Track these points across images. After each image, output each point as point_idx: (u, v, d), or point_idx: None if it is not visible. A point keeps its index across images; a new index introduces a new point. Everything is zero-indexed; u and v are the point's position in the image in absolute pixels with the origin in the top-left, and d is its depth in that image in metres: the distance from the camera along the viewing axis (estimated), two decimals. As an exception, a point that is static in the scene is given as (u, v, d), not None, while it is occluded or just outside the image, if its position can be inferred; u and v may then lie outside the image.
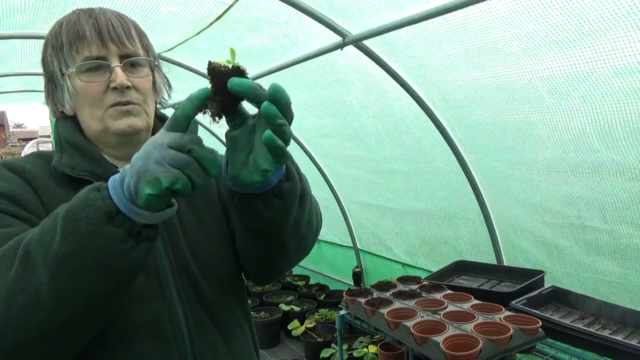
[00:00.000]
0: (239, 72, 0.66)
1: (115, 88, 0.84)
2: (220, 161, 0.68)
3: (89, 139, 0.91)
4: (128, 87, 0.85)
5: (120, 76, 0.84)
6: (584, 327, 1.61)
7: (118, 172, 0.70)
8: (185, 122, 0.66)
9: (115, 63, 0.84)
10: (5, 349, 0.64)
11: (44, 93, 0.93)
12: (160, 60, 1.03)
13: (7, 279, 0.64)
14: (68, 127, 0.91)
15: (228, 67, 0.66)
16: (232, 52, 0.70)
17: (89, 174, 0.85)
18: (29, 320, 0.63)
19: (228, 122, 0.71)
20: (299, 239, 0.87)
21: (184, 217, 0.94)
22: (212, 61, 0.66)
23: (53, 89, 0.89)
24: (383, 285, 2.07)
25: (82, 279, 0.63)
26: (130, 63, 0.86)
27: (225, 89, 0.65)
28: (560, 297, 1.91)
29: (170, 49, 2.99)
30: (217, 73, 0.66)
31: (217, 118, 0.68)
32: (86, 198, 0.65)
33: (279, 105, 0.65)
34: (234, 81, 0.65)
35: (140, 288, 0.81)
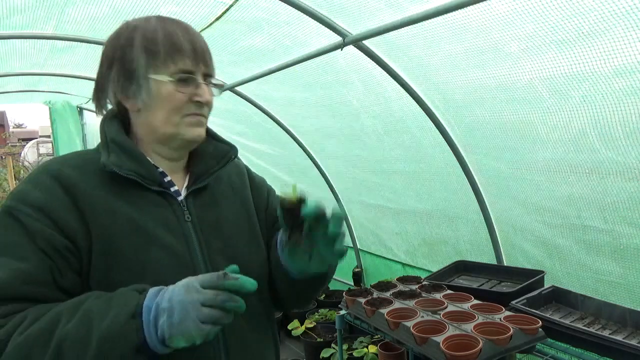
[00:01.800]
0: (303, 201, 0.84)
1: (198, 101, 0.94)
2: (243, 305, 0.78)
3: (132, 139, 0.98)
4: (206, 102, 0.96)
5: (207, 93, 0.96)
6: (584, 327, 1.61)
7: (159, 172, 0.94)
8: (223, 288, 0.76)
9: (200, 79, 0.95)
10: None
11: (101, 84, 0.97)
12: None
13: None
14: (114, 127, 0.96)
15: (293, 201, 0.84)
16: (294, 187, 0.87)
17: (135, 173, 0.91)
18: None
19: (291, 241, 0.90)
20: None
21: (224, 221, 1.03)
22: (282, 196, 0.86)
23: (127, 84, 0.93)
24: (383, 285, 2.07)
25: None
26: (210, 81, 0.98)
27: (294, 216, 0.84)
28: (560, 297, 1.91)
29: (170, 49, 2.99)
30: (287, 205, 0.85)
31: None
32: (123, 328, 0.73)
33: (339, 224, 0.84)
34: (306, 210, 0.82)
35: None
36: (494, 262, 2.60)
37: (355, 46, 2.24)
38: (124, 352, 0.73)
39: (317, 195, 4.16)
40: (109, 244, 0.85)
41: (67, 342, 0.72)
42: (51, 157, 0.90)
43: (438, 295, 1.89)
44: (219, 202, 1.04)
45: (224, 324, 0.76)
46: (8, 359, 0.71)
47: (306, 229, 0.84)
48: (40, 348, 0.71)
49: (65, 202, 0.85)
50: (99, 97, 0.98)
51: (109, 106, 1.01)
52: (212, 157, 1.04)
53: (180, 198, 0.98)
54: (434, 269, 2.45)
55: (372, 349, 3.12)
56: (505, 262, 2.58)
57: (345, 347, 3.24)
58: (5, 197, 0.83)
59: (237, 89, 3.34)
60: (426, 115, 2.41)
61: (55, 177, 0.87)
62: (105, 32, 2.80)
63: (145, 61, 0.92)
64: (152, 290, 0.78)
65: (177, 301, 0.74)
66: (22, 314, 0.76)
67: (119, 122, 0.98)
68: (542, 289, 1.93)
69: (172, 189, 0.97)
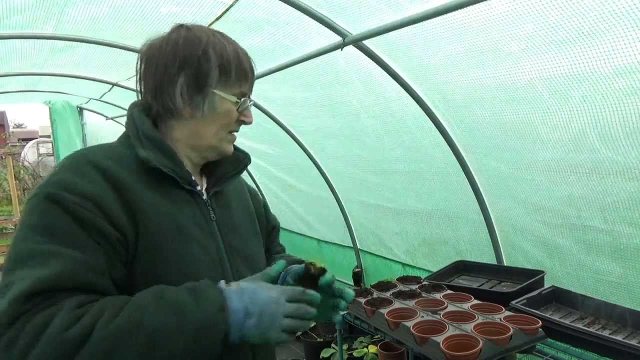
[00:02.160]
0: (324, 272, 1.03)
1: (243, 121, 1.05)
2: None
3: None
4: None
5: (251, 116, 1.06)
6: (584, 327, 1.61)
7: (189, 173, 1.00)
8: (303, 301, 0.91)
9: (247, 102, 1.05)
10: None
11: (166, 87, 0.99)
12: None
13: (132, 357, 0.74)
14: (147, 123, 0.99)
15: (318, 270, 1.03)
16: (317, 259, 1.07)
17: (172, 171, 0.96)
18: None
19: None
20: None
21: (238, 223, 1.12)
22: (310, 262, 1.04)
23: (194, 92, 0.98)
24: (383, 285, 2.07)
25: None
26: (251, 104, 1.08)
27: (312, 281, 1.02)
28: (560, 297, 1.91)
29: (170, 49, 2.99)
30: (311, 271, 1.02)
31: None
32: (215, 320, 0.81)
33: (347, 300, 1.07)
34: (322, 280, 1.02)
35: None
36: (494, 262, 2.60)
37: (355, 46, 2.24)
38: (215, 340, 0.80)
39: (317, 195, 4.16)
40: (154, 238, 0.88)
41: (160, 332, 0.76)
42: (81, 149, 0.96)
43: (438, 295, 1.89)
44: (231, 205, 1.12)
45: (300, 331, 0.90)
46: (95, 350, 0.71)
47: (320, 297, 0.95)
48: (129, 339, 0.74)
49: (112, 195, 0.86)
50: (153, 93, 0.99)
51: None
52: (229, 162, 1.12)
53: (205, 198, 1.04)
54: (434, 269, 2.45)
55: (372, 349, 3.13)
56: (505, 262, 2.58)
57: (345, 347, 3.24)
58: (39, 184, 0.86)
59: (237, 89, 3.34)
60: (426, 115, 2.41)
61: (99, 169, 0.88)
62: (105, 32, 2.80)
63: (217, 78, 0.99)
64: (231, 289, 0.86)
65: (266, 312, 0.85)
66: (98, 305, 0.76)
67: (149, 118, 1.00)
68: (542, 289, 1.93)
69: (197, 189, 1.02)
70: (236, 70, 1.00)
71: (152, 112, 1.01)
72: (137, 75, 1.02)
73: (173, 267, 0.89)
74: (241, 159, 1.14)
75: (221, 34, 1.03)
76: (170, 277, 0.86)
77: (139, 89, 1.02)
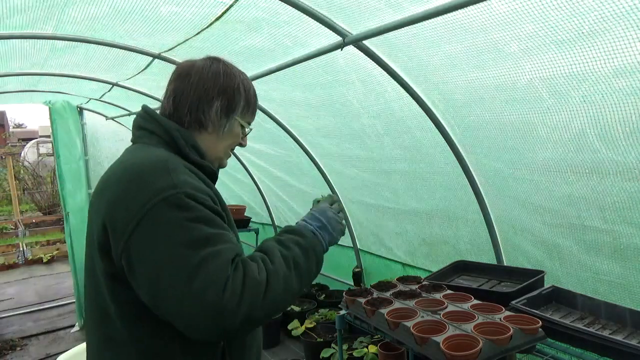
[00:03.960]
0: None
1: (240, 144, 1.36)
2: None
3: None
4: None
5: (247, 142, 1.39)
6: (584, 327, 1.61)
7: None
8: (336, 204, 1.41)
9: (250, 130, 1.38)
10: (270, 314, 1.07)
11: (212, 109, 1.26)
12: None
13: (292, 281, 1.12)
14: (192, 136, 1.24)
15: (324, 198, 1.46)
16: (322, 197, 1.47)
17: (214, 172, 1.27)
18: (299, 292, 1.17)
19: None
20: None
21: None
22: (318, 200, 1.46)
23: (223, 115, 1.27)
24: (383, 285, 2.07)
25: (315, 271, 1.23)
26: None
27: None
28: (560, 297, 1.91)
29: (170, 49, 2.99)
30: (318, 200, 1.46)
31: None
32: (318, 242, 1.25)
33: None
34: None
35: None
36: (494, 262, 2.60)
37: (355, 46, 2.24)
38: (321, 253, 1.24)
39: (317, 195, 4.15)
40: (227, 222, 1.19)
41: (297, 258, 1.16)
42: (160, 156, 1.13)
43: (438, 295, 1.89)
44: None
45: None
46: (275, 279, 1.07)
47: None
48: (284, 266, 1.12)
49: (210, 191, 1.16)
50: (189, 107, 1.23)
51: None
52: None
53: None
54: (434, 269, 2.45)
55: (372, 349, 3.13)
56: (505, 262, 2.58)
57: (345, 347, 3.24)
58: (164, 185, 1.05)
59: (237, 89, 3.34)
60: (426, 115, 2.41)
61: (191, 170, 1.15)
62: (105, 32, 2.80)
63: (242, 108, 1.29)
64: (307, 219, 1.31)
65: (333, 223, 1.31)
66: (258, 256, 1.12)
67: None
68: (542, 289, 1.93)
69: None
70: (253, 105, 1.34)
71: (176, 119, 1.24)
72: (169, 86, 1.27)
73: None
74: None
75: (244, 73, 1.35)
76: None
77: (168, 97, 1.26)
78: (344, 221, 1.36)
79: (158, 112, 1.27)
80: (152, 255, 1.00)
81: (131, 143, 1.26)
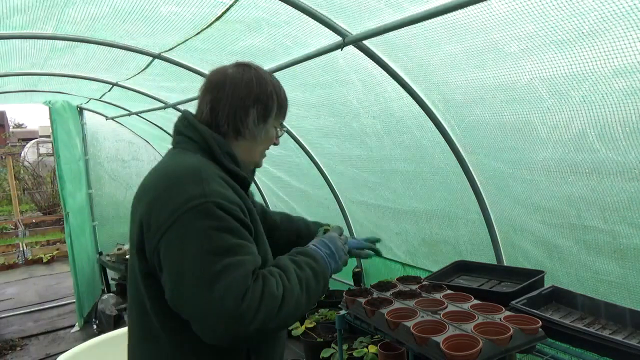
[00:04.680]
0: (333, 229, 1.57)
1: (275, 144, 1.43)
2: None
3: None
4: None
5: (279, 140, 1.45)
6: (584, 327, 1.61)
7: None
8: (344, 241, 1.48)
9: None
10: (280, 327, 1.14)
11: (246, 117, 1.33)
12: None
13: (302, 300, 1.19)
14: (228, 144, 1.29)
15: (331, 228, 1.60)
16: (328, 225, 1.67)
17: (246, 179, 1.32)
18: (305, 311, 1.24)
19: None
20: None
21: None
22: (327, 227, 1.61)
23: (260, 122, 1.33)
24: (383, 285, 2.06)
25: (320, 295, 1.29)
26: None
27: None
28: (560, 297, 1.91)
29: (170, 49, 2.99)
30: (326, 229, 1.59)
31: None
32: (327, 267, 1.32)
33: None
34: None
35: None
36: (494, 262, 2.60)
37: (355, 46, 2.24)
38: (327, 276, 1.30)
39: (317, 195, 4.17)
40: (257, 228, 1.27)
41: (309, 280, 1.22)
42: (193, 163, 1.22)
43: (438, 295, 1.89)
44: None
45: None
46: (290, 295, 1.14)
47: None
48: (298, 285, 1.18)
49: (239, 199, 1.20)
50: (227, 117, 1.29)
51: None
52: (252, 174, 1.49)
53: None
54: (434, 269, 2.45)
55: (372, 349, 3.13)
56: (505, 262, 2.58)
57: (345, 347, 3.24)
58: (195, 194, 1.12)
59: (237, 89, 3.34)
60: (426, 115, 2.41)
61: (224, 180, 1.20)
62: (105, 32, 2.80)
63: (275, 114, 1.36)
64: (319, 244, 1.37)
65: (341, 253, 1.39)
66: (276, 272, 1.17)
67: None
68: (542, 289, 1.92)
69: None
70: (285, 106, 1.40)
71: (214, 128, 1.29)
72: (205, 95, 1.32)
73: (264, 252, 1.28)
74: (254, 172, 1.50)
75: (271, 74, 1.39)
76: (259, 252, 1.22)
77: (205, 105, 1.31)
78: (348, 254, 1.46)
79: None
80: (178, 259, 1.07)
81: (171, 147, 1.36)
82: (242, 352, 1.26)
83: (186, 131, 1.30)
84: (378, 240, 1.81)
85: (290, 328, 3.78)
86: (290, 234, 1.71)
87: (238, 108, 1.29)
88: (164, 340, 1.20)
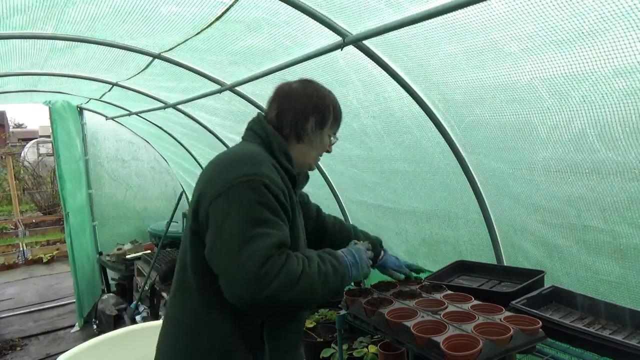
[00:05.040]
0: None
1: (327, 151, 1.66)
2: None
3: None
4: None
5: (332, 148, 1.68)
6: (584, 327, 1.61)
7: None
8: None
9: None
10: (291, 304, 1.30)
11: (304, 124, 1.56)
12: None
13: (318, 288, 1.34)
14: (285, 144, 1.51)
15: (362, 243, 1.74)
16: (359, 241, 1.78)
17: (297, 178, 1.54)
18: (316, 301, 1.38)
19: None
20: None
21: None
22: (356, 241, 1.73)
23: (317, 129, 1.55)
24: (383, 285, 2.07)
25: (336, 292, 1.45)
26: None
27: None
28: (560, 297, 1.91)
29: (170, 49, 2.99)
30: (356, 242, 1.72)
31: None
32: (345, 271, 1.49)
33: None
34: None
35: None
36: (494, 262, 2.60)
37: (355, 46, 2.24)
38: (346, 277, 1.48)
39: (317, 195, 4.16)
40: (295, 222, 1.48)
41: (328, 274, 1.38)
42: (249, 149, 1.48)
43: (438, 296, 1.89)
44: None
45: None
46: (305, 279, 1.30)
47: None
48: (317, 274, 1.34)
49: (285, 187, 1.41)
50: (290, 121, 1.52)
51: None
52: (305, 177, 1.73)
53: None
54: (434, 269, 2.45)
55: (372, 349, 3.12)
56: (505, 262, 2.58)
57: (345, 347, 3.24)
58: (248, 172, 1.34)
59: (237, 89, 3.34)
60: (426, 115, 2.41)
61: (276, 169, 1.40)
62: (105, 32, 2.80)
63: (330, 123, 1.58)
64: (346, 257, 1.53)
65: (364, 263, 1.58)
66: (300, 256, 1.35)
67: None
68: (542, 289, 1.92)
69: None
70: (339, 119, 1.62)
71: (279, 131, 1.52)
72: (273, 103, 1.57)
73: (295, 239, 1.46)
74: (308, 176, 1.72)
75: (331, 92, 1.62)
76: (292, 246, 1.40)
77: (273, 111, 1.55)
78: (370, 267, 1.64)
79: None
80: (221, 219, 1.28)
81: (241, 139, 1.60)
82: (257, 328, 1.42)
83: (255, 127, 1.54)
84: (421, 270, 2.06)
85: (290, 328, 3.77)
86: (334, 238, 1.95)
87: (299, 115, 1.51)
88: (194, 294, 1.40)
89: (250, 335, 1.42)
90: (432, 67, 2.18)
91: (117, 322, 4.78)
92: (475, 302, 1.79)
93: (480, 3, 1.58)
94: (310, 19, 2.17)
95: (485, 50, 1.87)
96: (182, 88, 3.78)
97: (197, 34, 2.62)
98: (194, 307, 1.41)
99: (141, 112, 5.06)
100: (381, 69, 2.33)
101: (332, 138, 1.63)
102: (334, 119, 1.58)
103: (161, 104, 4.40)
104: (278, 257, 1.26)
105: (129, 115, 5.39)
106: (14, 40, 2.75)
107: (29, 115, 53.91)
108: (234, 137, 4.14)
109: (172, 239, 5.67)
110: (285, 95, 1.55)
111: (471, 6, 1.62)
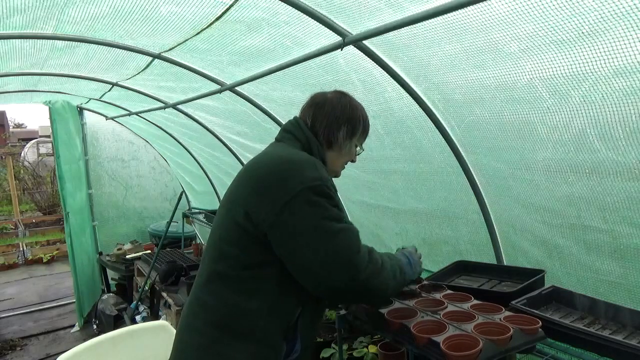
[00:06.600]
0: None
1: (352, 160, 1.76)
2: None
3: None
4: None
5: (357, 158, 1.77)
6: (584, 327, 1.61)
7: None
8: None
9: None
10: (376, 290, 1.41)
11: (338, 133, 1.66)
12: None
13: (390, 279, 1.47)
14: (322, 150, 1.62)
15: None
16: (404, 246, 1.87)
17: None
18: (384, 293, 1.47)
19: None
20: None
21: None
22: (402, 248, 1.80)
23: (347, 138, 1.65)
24: (383, 285, 2.06)
25: (399, 289, 1.60)
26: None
27: None
28: (560, 297, 1.91)
29: (170, 49, 2.99)
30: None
31: None
32: (406, 273, 1.62)
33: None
34: None
35: None
36: (494, 262, 2.60)
37: (355, 46, 2.24)
38: (406, 275, 1.60)
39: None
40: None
41: (394, 268, 1.50)
42: (301, 153, 1.54)
43: (438, 295, 1.89)
44: None
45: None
46: (385, 273, 1.43)
47: None
48: (393, 269, 1.49)
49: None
50: (324, 129, 1.61)
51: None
52: None
53: None
54: (434, 269, 2.45)
55: (372, 349, 3.12)
56: (505, 262, 2.58)
57: (345, 347, 3.24)
58: (314, 176, 1.41)
59: (237, 89, 3.34)
60: (426, 115, 2.41)
61: (326, 171, 1.46)
62: (105, 32, 2.80)
63: (360, 134, 1.69)
64: (403, 255, 1.67)
65: (416, 262, 1.71)
66: (378, 253, 1.46)
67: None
68: (542, 288, 1.92)
69: None
70: (367, 130, 1.72)
71: (315, 135, 1.60)
72: (308, 110, 1.64)
73: None
74: None
75: (361, 104, 1.72)
76: None
77: (307, 118, 1.63)
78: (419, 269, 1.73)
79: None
80: (300, 224, 1.32)
81: (275, 140, 1.65)
82: (294, 318, 1.43)
83: (295, 131, 1.59)
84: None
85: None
86: None
87: (333, 124, 1.60)
88: (233, 283, 1.40)
89: (287, 326, 1.44)
90: (432, 67, 2.18)
91: (117, 322, 4.78)
92: (475, 301, 1.79)
93: (480, 3, 1.58)
94: (310, 19, 2.17)
95: (485, 50, 1.87)
96: (182, 88, 3.78)
97: (197, 34, 2.62)
98: (233, 296, 1.41)
99: (141, 112, 5.06)
100: (381, 69, 2.33)
101: (358, 148, 1.72)
102: (362, 130, 1.68)
103: (161, 104, 4.40)
104: (365, 247, 1.39)
105: (129, 115, 5.39)
106: (14, 40, 2.75)
107: (29, 115, 54.04)
108: (234, 137, 4.14)
109: (172, 239, 5.67)
110: (321, 104, 1.63)
111: (471, 6, 1.62)
